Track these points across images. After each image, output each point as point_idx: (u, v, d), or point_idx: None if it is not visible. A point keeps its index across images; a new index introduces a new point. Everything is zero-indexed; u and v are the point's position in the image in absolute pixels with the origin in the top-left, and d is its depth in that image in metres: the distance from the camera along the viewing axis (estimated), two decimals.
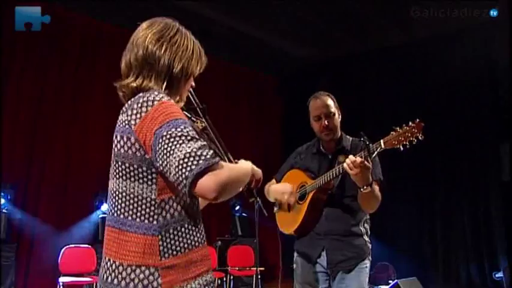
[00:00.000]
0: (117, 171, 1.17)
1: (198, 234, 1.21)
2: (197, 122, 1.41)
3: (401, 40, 6.67)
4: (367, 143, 1.92)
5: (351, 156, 1.93)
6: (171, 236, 1.14)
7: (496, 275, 5.45)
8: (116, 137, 1.17)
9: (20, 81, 5.63)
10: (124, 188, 1.16)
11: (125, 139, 1.14)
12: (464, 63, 6.24)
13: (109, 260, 1.16)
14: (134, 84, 1.22)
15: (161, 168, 1.08)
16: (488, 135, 6.22)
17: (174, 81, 1.24)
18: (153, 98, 1.14)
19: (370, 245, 2.21)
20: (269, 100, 8.61)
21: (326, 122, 2.19)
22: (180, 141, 1.06)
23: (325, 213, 2.19)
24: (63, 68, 6.11)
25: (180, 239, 1.15)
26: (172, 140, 1.06)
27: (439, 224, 6.56)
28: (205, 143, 1.10)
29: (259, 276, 4.91)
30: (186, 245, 1.16)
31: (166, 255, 1.13)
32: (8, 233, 4.99)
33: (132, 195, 1.15)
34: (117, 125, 1.19)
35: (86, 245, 4.97)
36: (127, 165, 1.15)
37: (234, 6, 5.91)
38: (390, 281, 5.29)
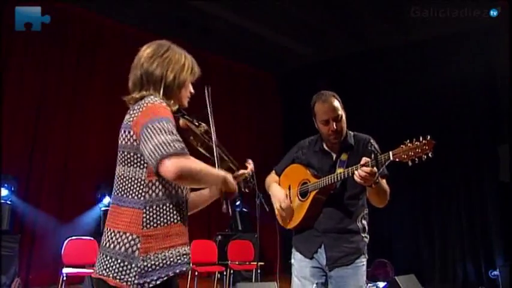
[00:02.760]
0: (120, 159, 1.45)
1: (178, 213, 1.44)
2: (200, 126, 1.59)
3: (400, 41, 6.70)
4: (376, 153, 1.95)
5: (364, 168, 1.93)
6: (154, 211, 1.39)
7: (492, 273, 5.52)
8: (121, 132, 1.45)
9: (21, 75, 5.67)
10: (122, 172, 1.44)
11: (126, 133, 1.43)
12: (462, 64, 6.30)
13: (107, 229, 1.44)
14: (137, 96, 1.49)
15: (142, 150, 1.35)
16: (485, 136, 6.30)
17: (168, 89, 1.50)
18: (148, 101, 1.42)
19: (366, 241, 2.24)
20: (269, 98, 8.66)
21: (334, 126, 2.18)
22: (159, 132, 1.32)
23: (325, 211, 2.22)
24: (63, 61, 6.13)
25: (161, 215, 1.40)
26: (153, 130, 1.33)
27: (436, 222, 6.63)
28: (180, 138, 1.35)
29: (258, 271, 4.97)
30: (165, 220, 1.40)
31: (148, 226, 1.38)
32: (11, 224, 5.03)
33: (127, 177, 1.42)
34: (123, 123, 1.46)
35: (89, 237, 5.02)
36: (125, 153, 1.43)
37: (235, 3, 5.93)
38: (388, 278, 5.35)
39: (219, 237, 6.05)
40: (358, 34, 6.71)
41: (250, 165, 1.69)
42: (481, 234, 6.17)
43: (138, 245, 1.36)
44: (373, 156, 1.94)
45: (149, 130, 1.32)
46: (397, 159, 1.88)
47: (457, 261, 6.32)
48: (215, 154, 1.54)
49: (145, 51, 1.53)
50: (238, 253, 5.79)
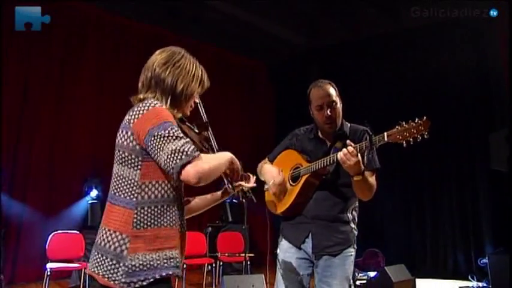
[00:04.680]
0: (116, 157, 1.47)
1: (169, 217, 1.46)
2: (200, 134, 1.64)
3: (392, 29, 6.65)
4: (371, 133, 1.90)
5: (349, 148, 1.90)
6: (145, 213, 1.41)
7: (481, 261, 5.54)
8: (120, 131, 1.47)
9: (5, 67, 5.49)
10: (117, 171, 1.46)
11: (124, 133, 1.45)
12: (454, 52, 6.26)
13: (101, 226, 1.46)
14: (141, 96, 1.52)
15: (154, 159, 1.40)
16: (477, 124, 6.28)
17: (176, 99, 1.53)
18: (149, 103, 1.45)
19: (356, 232, 2.19)
20: (261, 87, 8.58)
21: (328, 112, 2.14)
22: (168, 140, 1.37)
23: (315, 197, 2.17)
24: (50, 51, 5.98)
25: (152, 217, 1.42)
26: (162, 139, 1.37)
27: (427, 212, 6.65)
28: (188, 140, 1.40)
29: (248, 263, 4.93)
30: (156, 222, 1.42)
31: (138, 226, 1.40)
32: None
33: (122, 177, 1.45)
34: (122, 123, 1.48)
35: (74, 231, 4.93)
36: (121, 152, 1.45)
37: None
38: (379, 268, 5.35)
39: (209, 228, 5.97)
40: (350, 22, 6.62)
41: (251, 180, 1.72)
42: (472, 223, 6.19)
43: (127, 245, 1.39)
44: (367, 137, 1.90)
45: (158, 139, 1.37)
46: (391, 141, 1.84)
47: (448, 250, 6.35)
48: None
49: (160, 55, 1.56)
50: (228, 245, 5.76)
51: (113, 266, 1.38)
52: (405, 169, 6.39)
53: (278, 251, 2.26)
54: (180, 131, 1.41)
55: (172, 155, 1.35)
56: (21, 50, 5.68)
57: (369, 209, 5.74)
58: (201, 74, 1.60)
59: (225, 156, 1.55)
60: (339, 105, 2.20)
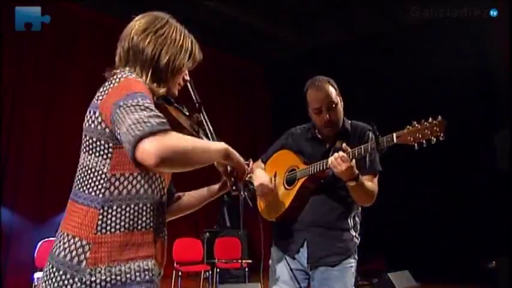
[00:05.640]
0: (83, 145, 1.20)
1: (145, 218, 1.17)
2: (192, 117, 1.38)
3: (390, 27, 6.60)
4: (377, 134, 1.70)
5: (339, 153, 1.73)
6: (113, 213, 1.13)
7: (489, 266, 5.38)
8: (87, 112, 1.19)
9: None
10: (83, 161, 1.19)
11: (91, 113, 1.17)
12: (453, 49, 6.15)
13: (58, 231, 1.18)
14: (118, 71, 1.23)
15: (119, 137, 1.08)
16: (480, 124, 6.12)
17: (159, 73, 1.25)
18: (121, 76, 1.17)
19: (357, 241, 1.98)
20: (257, 88, 8.44)
21: (328, 115, 1.94)
22: (133, 110, 1.05)
23: (312, 201, 1.97)
24: (39, 52, 5.84)
25: (122, 218, 1.13)
26: (126, 109, 1.06)
27: (432, 214, 6.47)
28: (159, 114, 1.07)
29: (246, 270, 4.75)
30: (127, 225, 1.14)
31: (104, 230, 1.12)
32: None
33: (87, 168, 1.17)
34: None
35: None
36: (88, 138, 1.17)
37: None
38: (382, 274, 5.17)
39: (207, 234, 5.82)
40: (347, 21, 6.53)
41: (249, 164, 1.45)
42: (479, 226, 6.01)
43: (87, 254, 1.10)
44: (373, 138, 1.72)
45: (122, 110, 1.07)
46: (401, 142, 1.64)
47: (455, 254, 6.13)
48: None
49: (139, 21, 1.28)
50: (225, 251, 5.60)
51: (66, 282, 1.09)
52: (409, 169, 6.22)
53: (270, 261, 2.06)
54: (153, 105, 1.10)
55: (132, 126, 1.02)
56: (10, 50, 5.52)
57: (370, 211, 5.62)
58: (192, 45, 1.33)
59: (217, 145, 1.21)
60: (339, 105, 2.00)
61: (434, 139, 1.59)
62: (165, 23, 1.28)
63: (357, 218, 2.01)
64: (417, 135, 1.61)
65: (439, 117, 1.61)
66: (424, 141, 1.60)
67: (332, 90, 1.97)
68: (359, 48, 6.94)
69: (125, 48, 1.25)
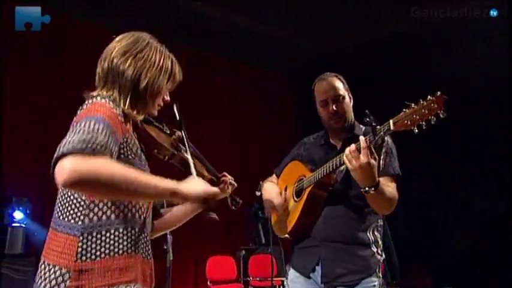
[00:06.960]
0: None
1: (127, 243, 1.16)
2: (173, 135, 1.38)
3: (411, 25, 6.23)
4: (374, 123, 1.54)
5: (352, 145, 1.57)
6: (93, 240, 1.12)
7: None
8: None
9: (19, 81, 5.22)
10: (62, 189, 1.18)
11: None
12: (477, 49, 5.65)
13: (40, 260, 1.17)
14: (94, 94, 1.22)
15: None
16: (501, 124, 5.44)
17: (138, 97, 1.24)
18: (92, 100, 1.17)
19: (380, 258, 1.80)
20: (279, 99, 7.99)
21: (334, 107, 1.86)
22: (77, 131, 1.04)
23: (324, 214, 1.82)
24: (39, 57, 5.57)
25: (103, 244, 1.13)
26: (73, 129, 1.06)
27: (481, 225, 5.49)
28: (102, 140, 1.05)
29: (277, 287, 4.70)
30: (107, 251, 1.13)
31: (84, 257, 1.11)
32: (26, 247, 4.72)
33: (67, 195, 1.17)
34: None
35: None
36: None
37: (234, 2, 5.58)
38: None
39: (243, 252, 5.65)
40: (367, 23, 6.42)
41: (226, 178, 1.46)
42: None
43: (67, 283, 1.08)
44: (371, 129, 1.56)
45: (70, 130, 1.08)
46: (400, 129, 1.48)
47: (504, 273, 5.04)
48: (191, 168, 1.29)
49: (119, 43, 1.27)
50: (259, 268, 5.46)
51: None
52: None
53: (285, 281, 1.96)
54: (107, 130, 1.07)
55: (65, 143, 1.02)
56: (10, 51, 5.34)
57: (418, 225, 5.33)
58: (171, 66, 1.31)
59: (166, 184, 1.14)
60: (347, 99, 1.91)
61: (435, 118, 1.42)
62: (145, 45, 1.27)
63: (376, 232, 1.84)
64: (415, 116, 1.44)
65: (438, 92, 1.44)
66: (423, 123, 1.44)
67: (339, 84, 1.92)
68: (380, 48, 6.57)
69: (105, 70, 1.25)
